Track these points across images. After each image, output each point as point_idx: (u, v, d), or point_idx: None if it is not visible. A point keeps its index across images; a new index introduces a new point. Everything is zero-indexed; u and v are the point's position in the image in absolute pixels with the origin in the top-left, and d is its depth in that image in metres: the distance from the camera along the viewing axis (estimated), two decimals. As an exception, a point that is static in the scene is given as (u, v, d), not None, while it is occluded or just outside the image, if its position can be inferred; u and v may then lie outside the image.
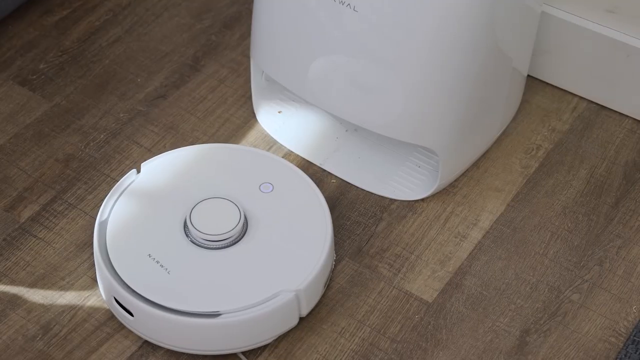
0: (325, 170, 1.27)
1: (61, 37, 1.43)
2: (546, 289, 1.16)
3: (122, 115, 1.34)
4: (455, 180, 1.26)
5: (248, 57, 1.40)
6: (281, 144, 1.30)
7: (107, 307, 1.13)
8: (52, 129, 1.32)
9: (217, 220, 1.09)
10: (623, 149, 1.29)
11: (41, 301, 1.14)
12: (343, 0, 1.10)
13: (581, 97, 1.35)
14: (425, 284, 1.16)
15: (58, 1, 1.47)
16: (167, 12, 1.47)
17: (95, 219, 1.22)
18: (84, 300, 1.14)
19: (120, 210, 1.12)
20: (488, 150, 1.29)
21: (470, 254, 1.19)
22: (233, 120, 1.33)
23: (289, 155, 1.29)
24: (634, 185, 1.25)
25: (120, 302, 1.07)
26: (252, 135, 1.31)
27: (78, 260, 1.18)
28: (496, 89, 1.22)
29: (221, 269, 1.07)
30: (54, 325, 1.12)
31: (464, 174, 1.27)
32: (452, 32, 1.09)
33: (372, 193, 1.25)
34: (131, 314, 1.07)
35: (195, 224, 1.09)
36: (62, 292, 1.15)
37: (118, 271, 1.07)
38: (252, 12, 1.23)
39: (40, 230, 1.21)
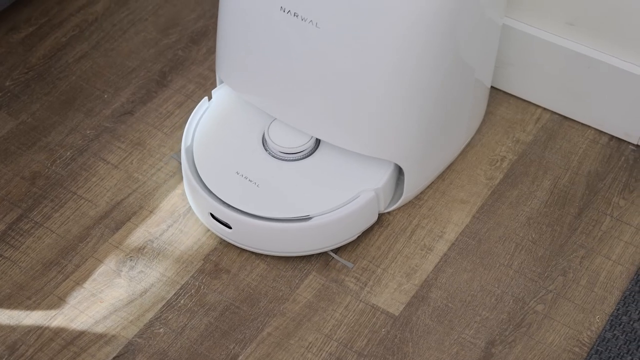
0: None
1: (27, 54, 1.43)
2: (511, 300, 1.17)
3: (88, 132, 1.34)
4: (421, 193, 1.27)
5: (215, 72, 1.40)
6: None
7: (74, 327, 1.13)
8: (18, 146, 1.32)
9: (293, 134, 1.20)
10: (586, 159, 1.31)
11: (7, 321, 1.14)
12: (305, 17, 1.11)
13: (544, 108, 1.36)
14: (391, 297, 1.17)
15: (24, 17, 1.47)
16: (134, 27, 1.47)
17: (62, 237, 1.22)
18: (50, 319, 1.14)
19: (201, 136, 1.23)
20: (453, 162, 1.30)
21: (436, 266, 1.20)
22: (200, 136, 1.34)
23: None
24: (596, 195, 1.27)
25: (219, 217, 1.17)
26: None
27: (44, 279, 1.18)
28: (460, 100, 1.23)
29: (303, 178, 1.19)
30: (20, 346, 1.12)
31: (429, 186, 1.28)
32: (414, 45, 1.10)
33: (338, 207, 1.26)
34: (229, 227, 1.17)
35: (274, 139, 1.20)
36: (28, 312, 1.15)
37: (213, 190, 1.18)
38: (217, 29, 1.24)
39: (7, 249, 1.20)
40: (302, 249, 1.18)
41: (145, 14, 1.48)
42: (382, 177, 1.19)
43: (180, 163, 1.28)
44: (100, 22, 1.47)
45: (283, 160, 1.20)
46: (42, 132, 1.33)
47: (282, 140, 1.20)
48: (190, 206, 1.26)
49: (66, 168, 1.29)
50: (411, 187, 1.23)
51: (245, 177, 1.18)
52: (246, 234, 1.18)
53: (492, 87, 1.38)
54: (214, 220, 1.19)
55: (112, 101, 1.37)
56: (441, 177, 1.29)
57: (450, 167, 1.30)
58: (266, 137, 1.21)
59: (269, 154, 1.21)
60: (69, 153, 1.31)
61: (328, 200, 1.16)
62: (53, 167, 1.29)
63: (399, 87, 1.13)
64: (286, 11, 1.12)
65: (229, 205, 1.17)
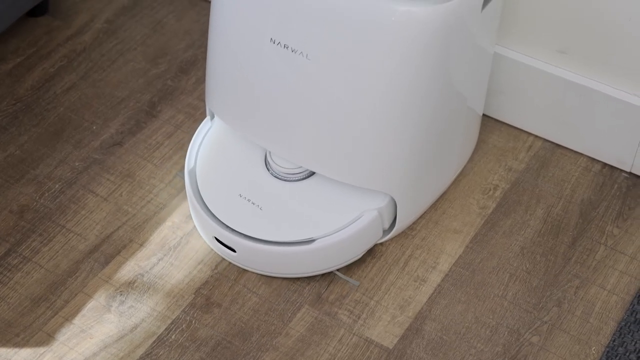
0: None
1: (15, 85, 1.41)
2: (506, 332, 1.16)
3: (77, 164, 1.32)
4: (414, 223, 1.26)
5: (204, 102, 1.39)
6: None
7: (63, 364, 1.12)
8: (6, 179, 1.30)
9: None
10: (579, 187, 1.30)
11: (-5, 360, 1.12)
12: (295, 49, 1.10)
13: (536, 136, 1.35)
14: (385, 330, 1.16)
15: (11, 48, 1.45)
16: (123, 57, 1.46)
17: (51, 272, 1.20)
18: (39, 357, 1.12)
19: (204, 157, 1.23)
20: (446, 191, 1.29)
21: (429, 297, 1.19)
22: (190, 167, 1.32)
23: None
24: (590, 223, 1.26)
25: (223, 241, 1.17)
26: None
27: (33, 315, 1.16)
28: (452, 130, 1.22)
29: (307, 198, 1.18)
30: (9, 385, 1.10)
31: (422, 216, 1.27)
32: (406, 76, 1.09)
33: (330, 238, 1.25)
34: (234, 250, 1.17)
35: (276, 159, 1.20)
36: (16, 349, 1.13)
37: (216, 214, 1.18)
38: (206, 60, 1.23)
39: (-6, 286, 1.19)
40: (307, 270, 1.19)
41: (133, 43, 1.47)
42: (385, 195, 1.19)
43: (184, 182, 1.28)
44: (89, 53, 1.46)
45: (285, 180, 1.20)
46: (30, 164, 1.32)
47: (284, 160, 1.20)
48: (180, 240, 1.24)
49: (55, 201, 1.28)
50: (404, 218, 1.22)
51: (249, 200, 1.18)
52: (251, 258, 1.18)
53: (483, 114, 1.37)
54: (219, 244, 1.19)
55: (101, 132, 1.36)
56: (434, 206, 1.28)
57: (442, 196, 1.29)
58: (268, 157, 1.21)
59: (271, 174, 1.21)
60: (57, 186, 1.30)
61: (331, 221, 1.17)
62: (41, 200, 1.28)
63: (390, 117, 1.12)
64: (276, 43, 1.11)
65: (233, 230, 1.16)
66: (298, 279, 1.20)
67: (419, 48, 1.07)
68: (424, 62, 1.09)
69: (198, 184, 1.21)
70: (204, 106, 1.39)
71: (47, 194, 1.28)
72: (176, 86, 1.42)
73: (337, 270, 1.20)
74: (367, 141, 1.14)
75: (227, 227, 1.17)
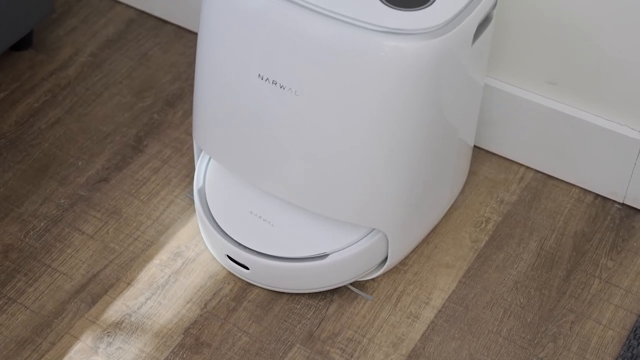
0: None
1: (-2, 121, 1.39)
2: (501, 369, 1.14)
3: (62, 201, 1.30)
4: (406, 258, 1.24)
5: (192, 135, 1.37)
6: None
7: (50, 410, 1.09)
8: (-10, 218, 1.28)
9: None
10: (571, 219, 1.29)
11: (-21, 407, 1.09)
12: (284, 85, 1.08)
13: (528, 167, 1.34)
14: (378, 368, 1.14)
15: (-5, 83, 1.44)
16: (108, 90, 1.44)
17: (36, 313, 1.18)
18: (25, 403, 1.10)
19: (212, 175, 1.22)
20: (437, 224, 1.28)
21: (423, 334, 1.17)
22: (178, 202, 1.30)
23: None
24: (583, 256, 1.25)
25: (236, 259, 1.17)
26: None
27: (19, 358, 1.13)
28: (443, 163, 1.21)
29: (318, 214, 1.16)
30: None
31: (414, 250, 1.25)
32: (396, 110, 1.08)
33: (321, 274, 1.23)
34: (247, 268, 1.17)
35: None
36: (1, 396, 1.10)
37: (228, 232, 1.17)
38: (193, 95, 1.21)
39: (-22, 329, 1.16)
40: (320, 285, 1.18)
41: (119, 77, 1.45)
42: None
43: (192, 201, 1.27)
44: (73, 87, 1.44)
45: None
46: (14, 202, 1.30)
47: None
48: (168, 278, 1.22)
49: (40, 240, 1.25)
50: (396, 253, 1.21)
51: (260, 217, 1.18)
52: (264, 274, 1.17)
53: (474, 146, 1.36)
54: (231, 261, 1.18)
55: (86, 168, 1.34)
56: (425, 240, 1.26)
57: (434, 230, 1.27)
58: None
59: None
60: (42, 224, 1.27)
61: (344, 235, 1.16)
62: (26, 239, 1.25)
63: (381, 153, 1.11)
64: (264, 79, 1.09)
65: (245, 247, 1.16)
66: (288, 317, 1.18)
67: (409, 84, 1.06)
68: (414, 97, 1.08)
69: (208, 203, 1.20)
70: (191, 140, 1.37)
71: (32, 233, 1.26)
72: (162, 120, 1.40)
73: (349, 285, 1.19)
74: (357, 177, 1.12)
75: (240, 244, 1.17)
